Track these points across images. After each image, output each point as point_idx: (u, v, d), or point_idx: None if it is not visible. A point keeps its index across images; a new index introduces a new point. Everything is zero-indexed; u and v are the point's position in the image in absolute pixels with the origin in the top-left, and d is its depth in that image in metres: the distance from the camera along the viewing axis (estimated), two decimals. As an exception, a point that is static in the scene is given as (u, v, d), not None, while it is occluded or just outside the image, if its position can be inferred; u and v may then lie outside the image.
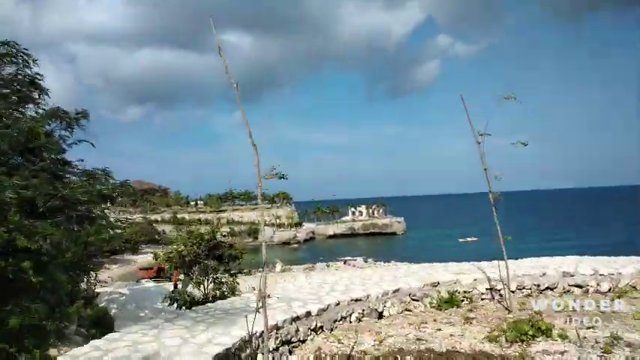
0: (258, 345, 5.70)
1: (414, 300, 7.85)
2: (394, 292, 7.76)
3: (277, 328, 6.06)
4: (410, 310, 7.82)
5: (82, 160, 10.72)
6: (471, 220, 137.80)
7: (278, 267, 55.65)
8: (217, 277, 20.43)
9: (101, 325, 28.32)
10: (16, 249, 9.12)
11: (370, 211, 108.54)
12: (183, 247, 18.53)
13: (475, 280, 8.52)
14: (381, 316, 7.56)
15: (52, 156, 10.57)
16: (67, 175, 10.76)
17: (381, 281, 8.38)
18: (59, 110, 10.21)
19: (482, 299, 8.33)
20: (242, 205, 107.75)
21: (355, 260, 67.54)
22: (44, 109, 10.37)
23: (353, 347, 6.12)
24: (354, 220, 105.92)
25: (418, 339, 6.37)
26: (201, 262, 19.87)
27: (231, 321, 6.15)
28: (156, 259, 26.31)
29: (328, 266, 62.09)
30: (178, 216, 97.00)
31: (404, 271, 9.48)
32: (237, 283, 20.58)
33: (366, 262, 66.84)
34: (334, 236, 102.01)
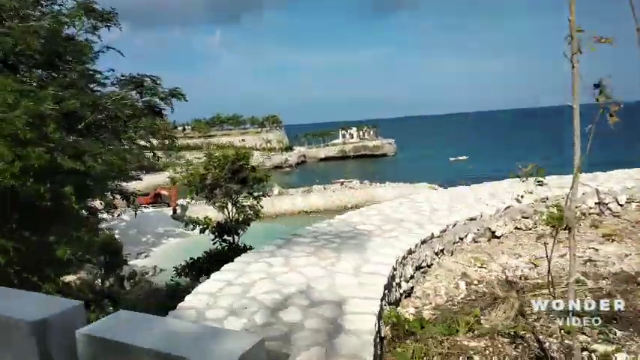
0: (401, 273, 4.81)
1: (524, 218, 7.03)
2: (506, 209, 6.90)
3: (410, 252, 5.15)
4: (520, 229, 7.05)
5: (113, 70, 9.17)
6: (459, 140, 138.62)
7: (275, 190, 55.25)
8: (238, 201, 19.64)
9: (109, 251, 27.74)
10: (58, 170, 7.92)
11: (361, 133, 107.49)
12: (204, 170, 17.43)
13: (584, 193, 7.72)
14: (494, 235, 6.76)
15: (82, 66, 9.01)
16: (98, 88, 9.26)
17: (474, 202, 7.49)
18: (90, 4, 8.45)
19: (590, 214, 7.58)
20: (231, 130, 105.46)
21: (351, 182, 67.60)
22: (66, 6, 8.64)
23: (504, 271, 5.34)
24: (344, 143, 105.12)
25: (589, 260, 5.63)
26: (223, 185, 18.94)
27: (354, 247, 5.21)
28: (174, 183, 25.23)
29: (325, 188, 62.14)
30: (166, 142, 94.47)
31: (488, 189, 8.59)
32: (262, 207, 19.85)
33: (362, 183, 66.94)
34: (325, 159, 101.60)
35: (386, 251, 5.17)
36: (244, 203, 19.93)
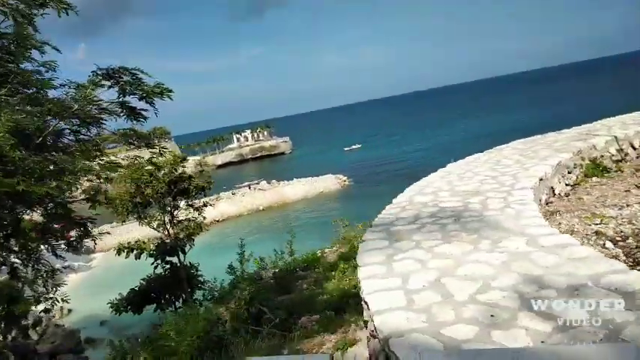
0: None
1: (568, 173, 6.89)
2: (556, 165, 6.70)
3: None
4: (569, 185, 6.90)
5: (52, 68, 7.10)
6: (351, 130, 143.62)
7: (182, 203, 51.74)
8: (175, 216, 17.70)
9: (5, 299, 23.71)
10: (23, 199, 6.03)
11: (255, 134, 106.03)
12: (132, 186, 15.24)
13: (606, 142, 7.84)
14: (554, 194, 6.50)
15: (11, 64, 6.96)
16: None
17: (518, 165, 7.18)
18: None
19: (612, 161, 7.71)
20: (115, 147, 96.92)
21: (258, 183, 66.28)
22: None
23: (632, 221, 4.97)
24: (240, 147, 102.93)
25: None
26: (160, 200, 16.85)
27: (474, 224, 4.53)
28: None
29: (234, 194, 60.00)
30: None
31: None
32: (204, 218, 18.10)
33: (269, 183, 65.92)
34: (223, 165, 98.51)
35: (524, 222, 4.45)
36: (183, 217, 17.97)
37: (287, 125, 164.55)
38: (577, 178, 7.16)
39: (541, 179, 6.26)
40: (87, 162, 6.67)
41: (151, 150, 9.91)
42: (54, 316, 31.43)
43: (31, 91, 6.65)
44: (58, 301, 8.34)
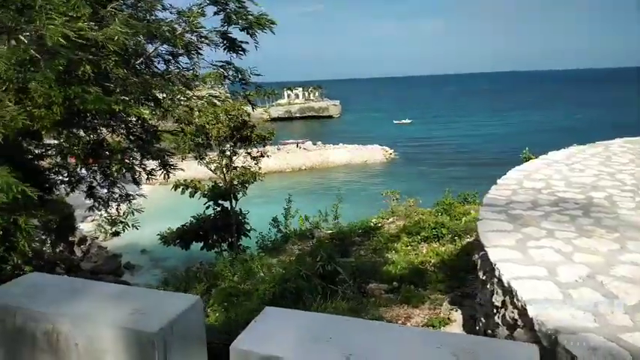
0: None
1: None
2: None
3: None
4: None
5: None
6: (403, 104, 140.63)
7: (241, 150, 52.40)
8: (233, 162, 17.75)
9: (60, 213, 24.84)
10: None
11: (306, 94, 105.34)
12: (209, 126, 15.25)
13: None
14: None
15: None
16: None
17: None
18: None
19: None
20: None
21: (303, 143, 66.30)
22: None
23: None
24: (290, 104, 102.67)
25: None
26: (219, 143, 16.92)
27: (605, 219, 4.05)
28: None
29: (279, 149, 60.25)
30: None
31: None
32: (260, 168, 18.11)
33: (315, 145, 65.86)
34: (270, 120, 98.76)
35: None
36: (239, 164, 18.06)
37: (337, 89, 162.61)
38: None
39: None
40: (189, 91, 6.53)
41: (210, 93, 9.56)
42: (97, 238, 33.01)
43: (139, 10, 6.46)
44: (128, 226, 8.45)
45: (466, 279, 6.56)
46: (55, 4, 5.26)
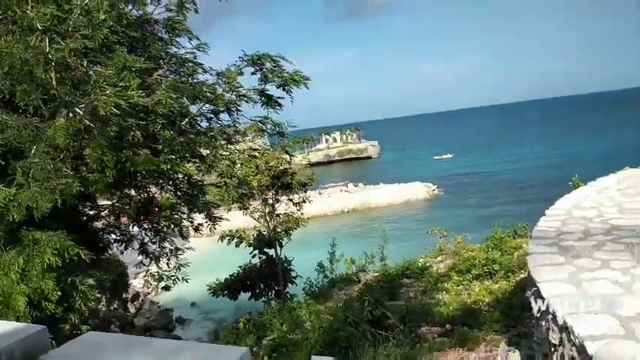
0: None
1: None
2: None
3: None
4: None
5: (203, 48, 7.16)
6: (443, 139, 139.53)
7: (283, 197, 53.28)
8: (275, 209, 17.98)
9: (114, 271, 25.57)
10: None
11: (344, 136, 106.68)
12: (251, 177, 15.67)
13: None
14: None
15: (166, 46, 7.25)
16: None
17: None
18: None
19: None
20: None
21: (344, 185, 66.49)
22: None
23: None
24: (328, 147, 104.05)
25: None
26: (262, 192, 17.27)
27: None
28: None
29: (320, 194, 60.60)
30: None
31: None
32: (302, 213, 18.26)
33: (356, 186, 65.88)
34: (311, 165, 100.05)
35: None
36: (282, 211, 18.29)
37: (376, 129, 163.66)
38: None
39: None
40: (230, 146, 6.86)
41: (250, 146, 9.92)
42: (149, 293, 33.77)
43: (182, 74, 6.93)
44: (178, 280, 8.69)
45: (523, 317, 6.27)
46: (107, 77, 5.73)
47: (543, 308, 3.50)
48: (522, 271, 8.81)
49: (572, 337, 2.93)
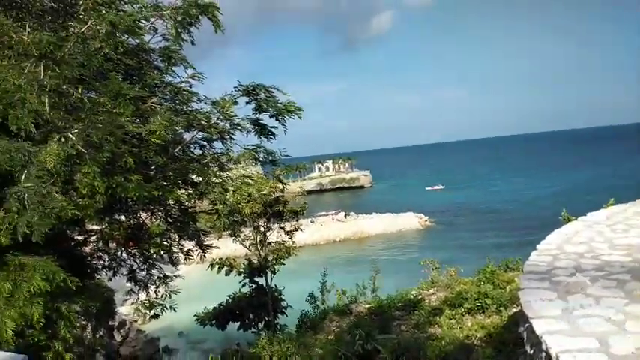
0: None
1: None
2: None
3: None
4: None
5: (198, 78, 7.26)
6: (434, 170, 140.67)
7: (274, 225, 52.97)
8: (266, 237, 17.83)
9: (100, 298, 25.09)
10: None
11: (337, 166, 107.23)
12: (243, 204, 15.57)
13: None
14: None
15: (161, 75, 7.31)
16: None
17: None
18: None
19: None
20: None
21: (336, 214, 66.32)
22: None
23: None
24: (321, 176, 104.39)
25: None
26: (253, 220, 17.14)
27: None
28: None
29: (312, 222, 60.35)
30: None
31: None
32: (294, 242, 18.08)
33: (346, 216, 65.70)
34: (302, 194, 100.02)
35: None
36: (273, 239, 18.13)
37: (367, 159, 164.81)
38: None
39: None
40: (223, 173, 6.85)
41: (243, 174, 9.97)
42: (136, 321, 33.00)
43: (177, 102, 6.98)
44: (166, 308, 8.51)
45: (516, 352, 6.19)
46: (101, 104, 5.75)
47: (536, 345, 3.45)
48: (514, 306, 8.73)
49: (565, 376, 2.88)
